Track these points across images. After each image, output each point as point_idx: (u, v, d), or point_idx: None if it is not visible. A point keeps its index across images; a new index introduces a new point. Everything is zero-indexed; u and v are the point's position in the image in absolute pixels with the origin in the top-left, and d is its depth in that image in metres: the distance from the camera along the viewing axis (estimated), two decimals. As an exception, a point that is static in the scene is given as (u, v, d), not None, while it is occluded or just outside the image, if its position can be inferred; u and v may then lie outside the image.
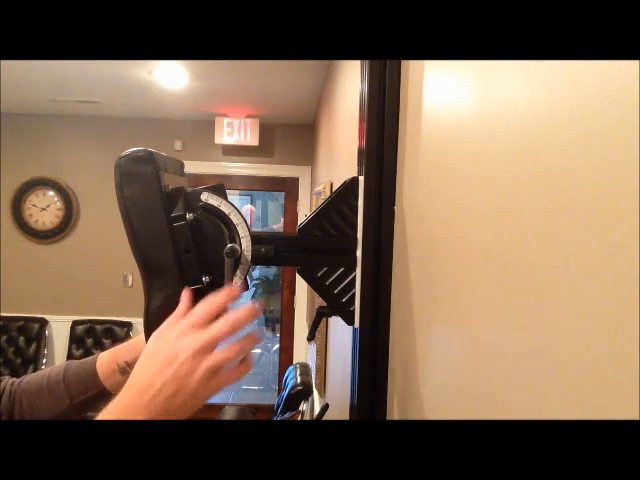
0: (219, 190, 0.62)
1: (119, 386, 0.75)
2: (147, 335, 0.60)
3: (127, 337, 3.81)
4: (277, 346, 4.43)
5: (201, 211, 0.60)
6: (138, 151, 0.59)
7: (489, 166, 0.43)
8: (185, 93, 3.13)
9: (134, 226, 0.58)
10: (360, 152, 0.78)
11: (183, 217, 0.59)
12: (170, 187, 0.60)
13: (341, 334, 1.48)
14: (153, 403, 0.50)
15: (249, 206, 6.48)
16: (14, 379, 0.73)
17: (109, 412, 0.53)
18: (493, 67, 0.42)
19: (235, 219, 0.62)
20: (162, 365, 0.51)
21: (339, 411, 1.42)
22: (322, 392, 2.21)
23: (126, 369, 0.75)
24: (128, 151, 0.59)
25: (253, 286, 6.63)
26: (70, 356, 3.85)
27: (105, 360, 0.74)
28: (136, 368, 0.54)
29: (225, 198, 0.62)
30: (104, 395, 0.75)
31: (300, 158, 4.00)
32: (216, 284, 0.61)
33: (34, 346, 3.83)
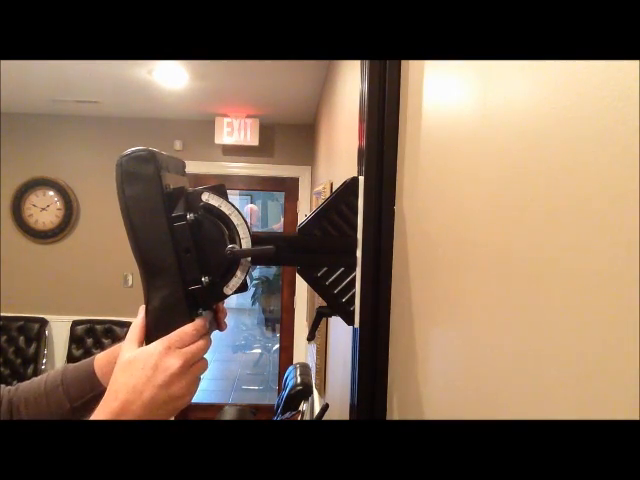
0: (220, 190, 0.62)
1: None
2: (146, 334, 0.60)
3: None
4: (277, 346, 4.43)
5: (202, 211, 0.60)
6: (139, 150, 0.59)
7: (489, 166, 0.43)
8: (185, 93, 3.13)
9: (135, 225, 0.58)
10: (360, 152, 0.78)
11: (184, 217, 0.59)
12: (171, 187, 0.60)
13: (341, 334, 1.48)
14: (142, 410, 0.54)
15: (251, 205, 6.49)
16: (8, 387, 0.72)
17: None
18: (493, 67, 0.42)
19: (235, 219, 0.62)
20: (152, 375, 0.55)
21: (339, 411, 1.42)
22: (322, 392, 2.21)
23: None
24: (129, 150, 0.59)
25: (253, 286, 6.63)
26: (70, 356, 3.84)
27: (103, 361, 0.73)
28: (119, 377, 0.56)
29: (226, 199, 0.62)
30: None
31: (300, 158, 4.00)
32: (215, 285, 0.61)
33: (34, 346, 3.83)
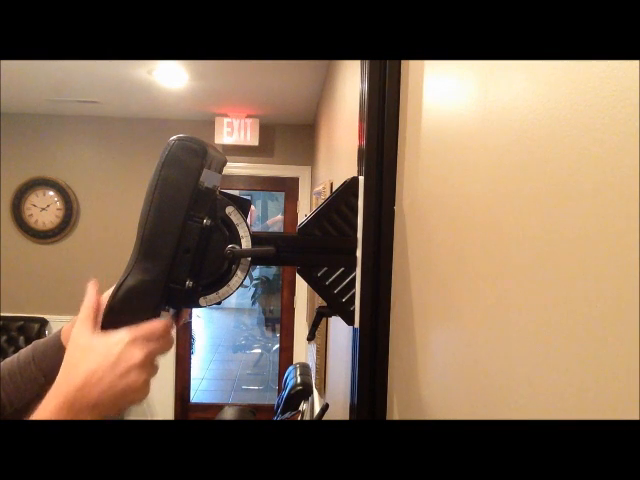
0: (244, 207, 0.63)
1: None
2: (106, 310, 0.59)
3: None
4: (277, 346, 4.43)
5: (219, 222, 0.61)
6: (194, 141, 0.59)
7: (489, 166, 0.43)
8: (185, 93, 3.13)
9: (153, 205, 0.58)
10: (360, 152, 0.78)
11: (200, 220, 0.60)
12: (204, 185, 0.60)
13: (341, 334, 1.48)
14: (99, 397, 0.53)
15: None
16: None
17: (46, 406, 0.53)
18: (493, 67, 0.42)
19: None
20: (115, 362, 0.54)
21: (339, 411, 1.42)
22: (322, 392, 2.21)
23: None
24: (185, 135, 0.59)
25: (253, 286, 6.63)
26: (70, 356, 3.84)
27: (69, 332, 0.74)
28: (78, 361, 0.55)
29: (245, 219, 0.63)
30: None
31: (300, 158, 4.00)
32: (195, 292, 0.61)
33: (34, 346, 3.83)
